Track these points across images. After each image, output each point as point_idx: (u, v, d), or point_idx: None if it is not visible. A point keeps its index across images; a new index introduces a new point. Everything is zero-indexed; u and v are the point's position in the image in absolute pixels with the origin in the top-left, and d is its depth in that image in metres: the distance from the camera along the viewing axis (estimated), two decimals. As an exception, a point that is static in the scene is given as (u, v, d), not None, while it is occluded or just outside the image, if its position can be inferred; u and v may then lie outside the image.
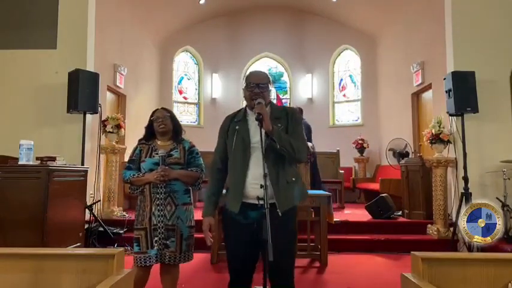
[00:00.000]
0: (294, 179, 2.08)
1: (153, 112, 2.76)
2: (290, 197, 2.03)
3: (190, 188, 2.67)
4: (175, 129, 2.72)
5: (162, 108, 2.81)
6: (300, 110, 6.09)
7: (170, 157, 2.59)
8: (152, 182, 2.53)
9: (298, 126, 2.14)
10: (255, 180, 1.98)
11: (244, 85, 2.19)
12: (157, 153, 2.58)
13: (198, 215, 4.84)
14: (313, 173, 5.96)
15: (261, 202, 1.85)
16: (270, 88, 2.17)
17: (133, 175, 2.60)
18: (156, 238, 2.51)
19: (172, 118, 2.74)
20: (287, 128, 2.08)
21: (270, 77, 2.24)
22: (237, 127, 2.11)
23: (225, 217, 2.16)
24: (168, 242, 2.51)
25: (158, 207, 2.53)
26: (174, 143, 2.69)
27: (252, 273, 2.09)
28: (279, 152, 1.97)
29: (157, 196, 2.54)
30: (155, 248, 2.50)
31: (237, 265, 2.08)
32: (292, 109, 2.23)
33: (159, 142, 2.69)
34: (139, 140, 2.75)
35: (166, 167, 2.53)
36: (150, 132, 2.72)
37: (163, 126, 2.66)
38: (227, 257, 2.14)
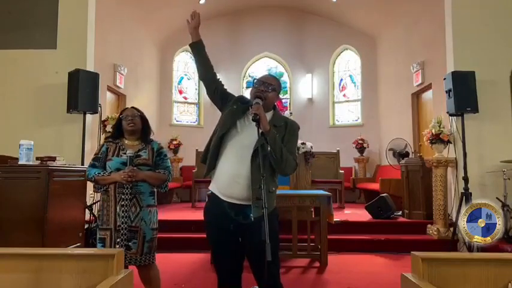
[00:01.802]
0: (274, 188, 2.08)
1: (123, 110, 2.72)
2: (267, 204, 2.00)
3: (155, 190, 2.63)
4: (144, 130, 2.67)
5: (132, 107, 2.77)
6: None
7: (138, 157, 2.54)
8: (118, 181, 2.48)
9: (293, 140, 2.13)
10: (237, 178, 1.98)
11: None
12: (124, 153, 2.52)
13: (197, 215, 4.83)
14: None
15: (243, 203, 1.95)
16: (277, 92, 2.14)
17: (99, 173, 2.53)
18: (118, 239, 2.47)
19: (143, 118, 2.69)
20: (283, 139, 2.06)
21: (280, 83, 2.21)
22: (237, 117, 2.09)
23: (207, 220, 2.15)
24: (130, 243, 2.48)
25: (123, 208, 2.48)
26: (142, 143, 2.64)
27: (240, 274, 2.10)
28: (267, 155, 1.95)
29: (123, 197, 2.49)
30: (117, 248, 2.45)
31: (224, 269, 2.10)
32: (292, 122, 2.20)
33: (126, 141, 2.64)
34: (106, 138, 2.71)
35: (134, 168, 2.48)
36: (118, 131, 2.67)
37: (132, 124, 2.60)
38: (214, 261, 2.15)
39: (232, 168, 2.01)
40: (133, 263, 2.49)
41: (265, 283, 1.95)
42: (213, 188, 2.10)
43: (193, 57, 2.27)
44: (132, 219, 2.49)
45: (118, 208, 2.49)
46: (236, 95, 2.27)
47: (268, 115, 2.11)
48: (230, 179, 2.00)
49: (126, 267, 2.41)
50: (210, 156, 2.08)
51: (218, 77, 2.29)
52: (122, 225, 2.48)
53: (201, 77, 2.30)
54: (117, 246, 2.46)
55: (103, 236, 2.52)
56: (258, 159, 1.91)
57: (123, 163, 2.50)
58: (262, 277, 1.95)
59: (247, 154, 1.96)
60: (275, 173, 2.08)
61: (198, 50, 2.25)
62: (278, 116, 2.16)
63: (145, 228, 2.52)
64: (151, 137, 2.71)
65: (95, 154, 2.67)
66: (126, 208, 2.49)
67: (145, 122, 2.70)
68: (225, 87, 2.28)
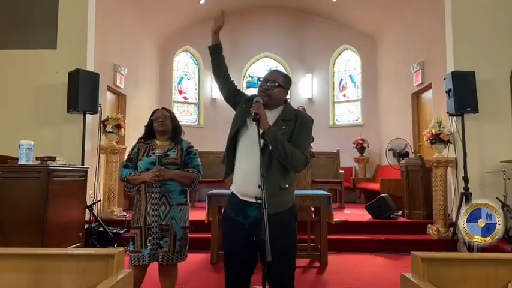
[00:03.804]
0: (287, 185, 2.04)
1: (154, 112, 2.78)
2: (277, 202, 1.96)
3: (186, 188, 2.67)
4: (174, 130, 2.73)
5: (163, 108, 2.83)
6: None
7: (167, 157, 2.60)
8: (147, 181, 2.54)
9: (303, 134, 2.07)
10: (251, 176, 1.96)
11: None
12: (154, 153, 2.59)
13: (197, 215, 4.83)
14: None
15: (258, 201, 1.87)
16: (283, 88, 2.11)
17: (130, 174, 2.61)
18: (149, 238, 2.52)
19: (173, 118, 2.76)
20: (292, 132, 2.03)
21: (286, 78, 2.18)
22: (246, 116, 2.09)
23: (224, 218, 2.19)
24: (161, 242, 2.52)
25: (153, 207, 2.54)
26: (172, 143, 2.71)
27: (250, 274, 2.07)
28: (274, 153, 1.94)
29: (153, 196, 2.55)
30: (148, 247, 2.51)
31: (233, 267, 2.07)
32: (303, 115, 2.15)
33: (157, 141, 2.71)
34: (139, 139, 2.77)
35: (162, 167, 2.53)
36: (150, 132, 2.74)
37: (162, 125, 2.67)
38: (224, 258, 2.13)
39: (246, 166, 2.02)
40: (165, 261, 2.54)
41: (268, 283, 1.94)
42: (232, 188, 2.13)
43: (210, 58, 2.27)
44: (162, 217, 2.54)
45: (148, 207, 2.55)
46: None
47: (278, 110, 2.10)
48: (245, 177, 2.01)
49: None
50: (227, 157, 2.10)
51: (232, 79, 2.30)
52: (153, 224, 2.53)
53: (217, 78, 2.32)
54: (149, 244, 2.51)
55: (133, 234, 2.57)
56: (265, 157, 1.92)
57: (152, 163, 2.56)
58: (274, 277, 1.92)
59: (258, 152, 1.94)
60: (287, 169, 2.03)
61: (217, 53, 2.28)
62: (288, 109, 2.13)
63: (176, 227, 2.57)
64: (182, 136, 2.78)
65: (128, 155, 2.74)
66: (155, 207, 2.54)
67: (176, 122, 2.77)
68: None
